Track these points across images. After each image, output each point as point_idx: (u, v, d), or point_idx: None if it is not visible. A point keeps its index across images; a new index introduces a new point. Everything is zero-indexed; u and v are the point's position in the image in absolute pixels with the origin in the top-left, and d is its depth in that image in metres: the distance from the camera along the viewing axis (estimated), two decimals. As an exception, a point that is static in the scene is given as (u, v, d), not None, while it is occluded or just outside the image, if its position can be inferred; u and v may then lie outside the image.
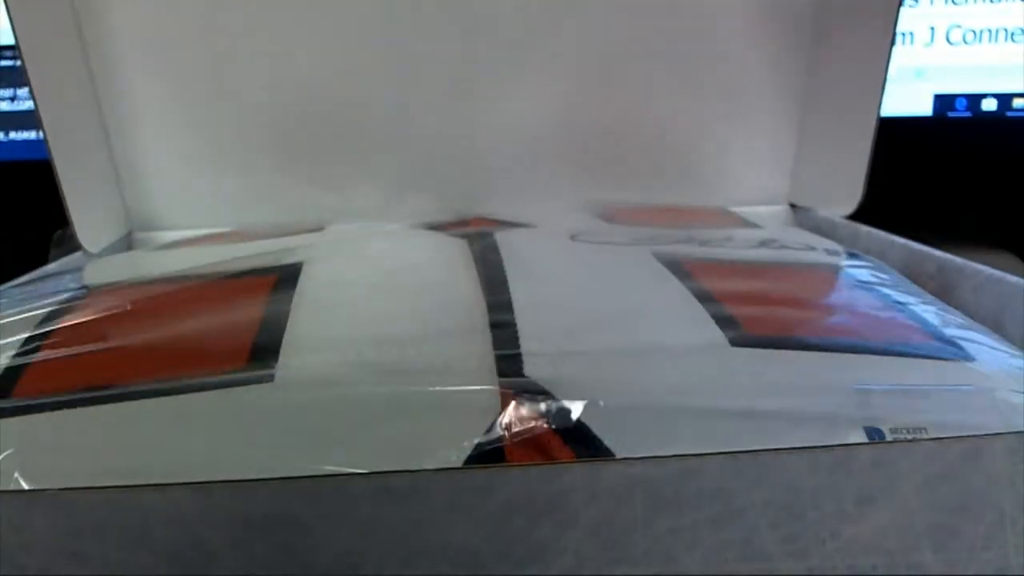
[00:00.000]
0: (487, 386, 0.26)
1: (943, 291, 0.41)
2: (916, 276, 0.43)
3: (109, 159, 0.56)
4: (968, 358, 0.29)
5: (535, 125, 0.57)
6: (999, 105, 0.75)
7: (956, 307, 0.37)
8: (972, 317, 0.35)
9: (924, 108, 0.76)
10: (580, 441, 0.25)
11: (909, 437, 0.26)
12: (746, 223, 0.50)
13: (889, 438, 0.26)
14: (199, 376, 0.28)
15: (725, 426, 0.25)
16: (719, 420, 0.26)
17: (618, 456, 0.25)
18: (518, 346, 0.28)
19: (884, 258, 0.46)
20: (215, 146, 0.56)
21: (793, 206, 0.63)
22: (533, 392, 0.26)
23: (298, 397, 0.27)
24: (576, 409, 0.26)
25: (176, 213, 0.58)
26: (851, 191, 0.56)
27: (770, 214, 0.62)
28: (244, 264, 0.38)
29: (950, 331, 0.32)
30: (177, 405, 0.27)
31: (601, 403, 0.25)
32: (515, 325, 0.30)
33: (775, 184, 0.62)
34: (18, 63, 0.53)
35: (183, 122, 0.55)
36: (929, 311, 0.34)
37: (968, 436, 0.24)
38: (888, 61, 0.52)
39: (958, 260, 0.42)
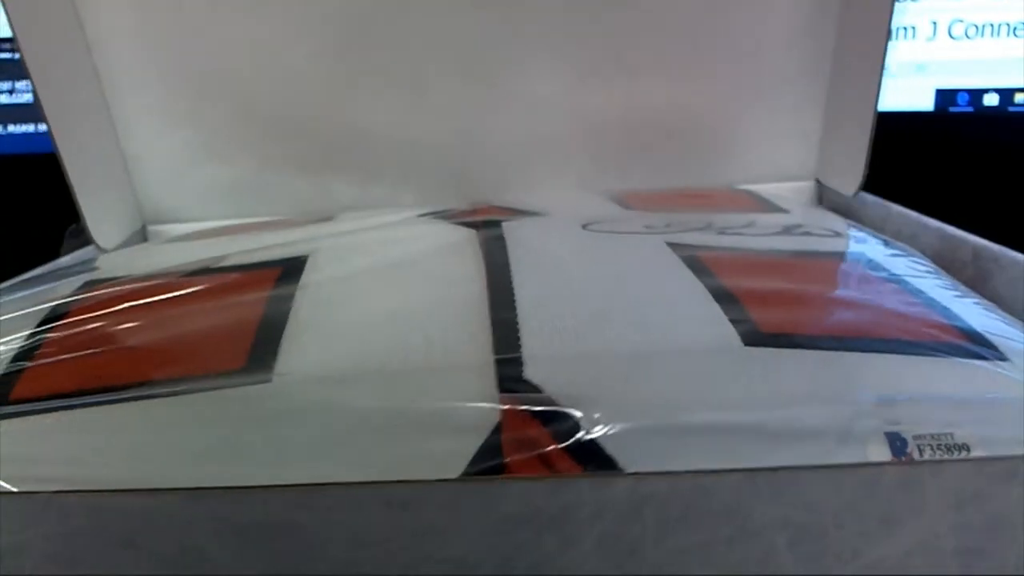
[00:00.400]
0: (487, 392, 0.25)
1: (977, 281, 0.39)
2: (949, 263, 0.41)
3: (119, 155, 0.55)
4: (1002, 358, 0.28)
5: (553, 109, 0.55)
6: (1001, 100, 0.74)
7: (990, 299, 0.35)
8: (1007, 311, 0.34)
9: (925, 103, 0.75)
10: (580, 448, 0.24)
11: (934, 444, 0.24)
12: (770, 206, 0.48)
13: (912, 444, 0.24)
14: (197, 376, 0.27)
15: (738, 440, 0.24)
16: (731, 434, 0.24)
17: (622, 467, 0.23)
18: (519, 348, 0.27)
19: (916, 242, 0.44)
20: (225, 140, 0.55)
21: (820, 182, 0.61)
22: (533, 402, 0.25)
23: (294, 401, 0.26)
24: (577, 416, 0.24)
25: (189, 207, 0.57)
26: (853, 170, 0.54)
27: (796, 190, 0.60)
28: (249, 257, 0.37)
29: (984, 328, 0.30)
30: (173, 407, 0.26)
31: (603, 418, 0.24)
32: (517, 325, 0.28)
33: (800, 160, 0.60)
34: (16, 56, 0.52)
35: (193, 117, 0.55)
36: (962, 305, 0.32)
37: (1002, 458, 0.22)
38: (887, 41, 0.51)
39: (995, 247, 0.40)
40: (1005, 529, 0.22)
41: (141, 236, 0.57)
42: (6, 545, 0.23)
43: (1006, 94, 0.74)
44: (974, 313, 0.31)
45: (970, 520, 0.22)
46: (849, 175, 0.55)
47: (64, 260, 0.48)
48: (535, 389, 0.25)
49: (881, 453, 0.24)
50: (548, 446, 0.24)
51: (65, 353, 0.29)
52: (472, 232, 0.37)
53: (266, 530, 0.24)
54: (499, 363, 0.26)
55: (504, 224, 0.38)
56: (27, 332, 0.31)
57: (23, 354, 0.30)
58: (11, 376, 0.28)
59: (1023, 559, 0.23)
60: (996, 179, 0.71)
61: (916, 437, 0.24)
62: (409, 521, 0.23)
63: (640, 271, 0.34)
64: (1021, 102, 0.74)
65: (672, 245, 0.36)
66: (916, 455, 0.24)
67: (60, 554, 0.24)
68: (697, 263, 0.33)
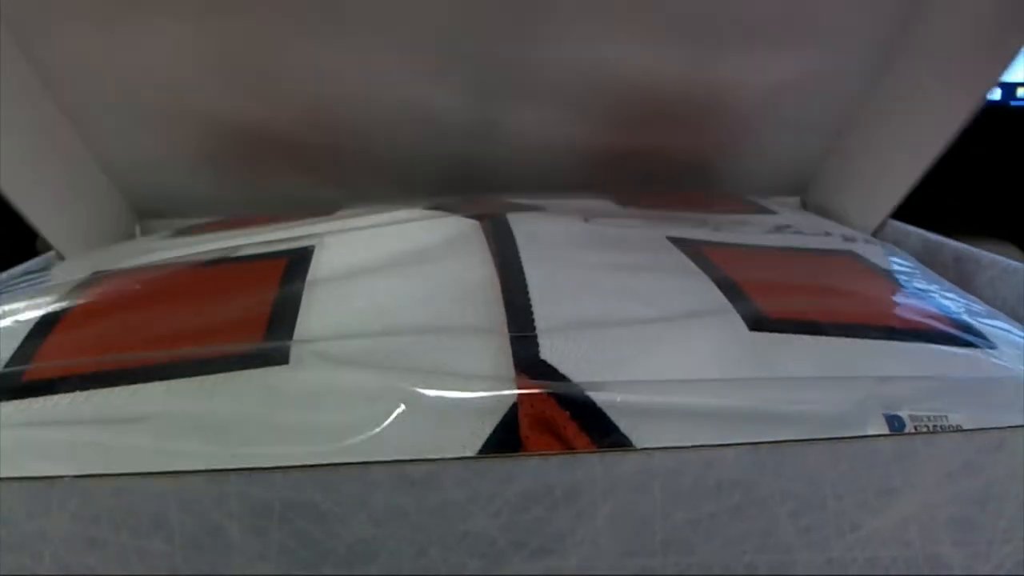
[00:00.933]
0: (503, 372, 0.26)
1: (959, 281, 0.41)
2: (932, 266, 0.43)
3: (87, 158, 0.53)
4: (991, 346, 0.29)
5: (551, 139, 0.54)
6: (1003, 94, 0.75)
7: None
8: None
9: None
10: (596, 427, 0.25)
11: (930, 425, 0.26)
12: (758, 208, 0.49)
13: (909, 425, 0.26)
14: (213, 358, 0.28)
15: (744, 420, 0.25)
16: (738, 414, 0.25)
17: (636, 445, 0.25)
18: (533, 328, 0.28)
19: (899, 247, 0.46)
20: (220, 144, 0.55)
21: (804, 202, 0.62)
22: (549, 378, 0.26)
23: (310, 383, 0.27)
24: (593, 396, 0.25)
25: (181, 206, 0.57)
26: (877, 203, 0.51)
27: (781, 202, 0.61)
28: (254, 248, 0.38)
29: (972, 319, 0.31)
30: (191, 387, 0.27)
31: (619, 397, 0.25)
32: (530, 307, 0.29)
33: (790, 176, 0.60)
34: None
35: (183, 118, 0.54)
36: (950, 299, 0.33)
37: (991, 428, 0.23)
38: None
39: (974, 250, 0.42)
40: (993, 500, 0.24)
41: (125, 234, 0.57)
42: (29, 529, 0.24)
43: (1008, 88, 0.75)
44: (961, 305, 0.33)
45: (961, 491, 0.23)
46: (870, 206, 0.52)
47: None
48: (551, 369, 0.26)
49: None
50: (564, 425, 0.25)
51: (78, 335, 0.30)
52: (477, 223, 0.38)
53: (285, 510, 0.24)
54: (514, 344, 0.27)
55: (509, 216, 0.39)
56: (39, 316, 0.32)
57: (36, 335, 0.30)
58: (25, 356, 0.29)
59: (1011, 530, 0.24)
60: (996, 173, 0.72)
61: (913, 418, 0.26)
62: (426, 499, 0.24)
63: (645, 260, 0.34)
64: (1023, 96, 0.74)
65: (672, 239, 0.37)
66: (912, 435, 0.25)
67: (83, 537, 0.24)
68: (698, 255, 0.34)
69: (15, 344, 0.30)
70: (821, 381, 0.26)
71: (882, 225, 0.51)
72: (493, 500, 0.24)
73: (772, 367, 0.27)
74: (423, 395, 0.26)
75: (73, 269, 0.38)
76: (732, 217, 0.44)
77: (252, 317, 0.30)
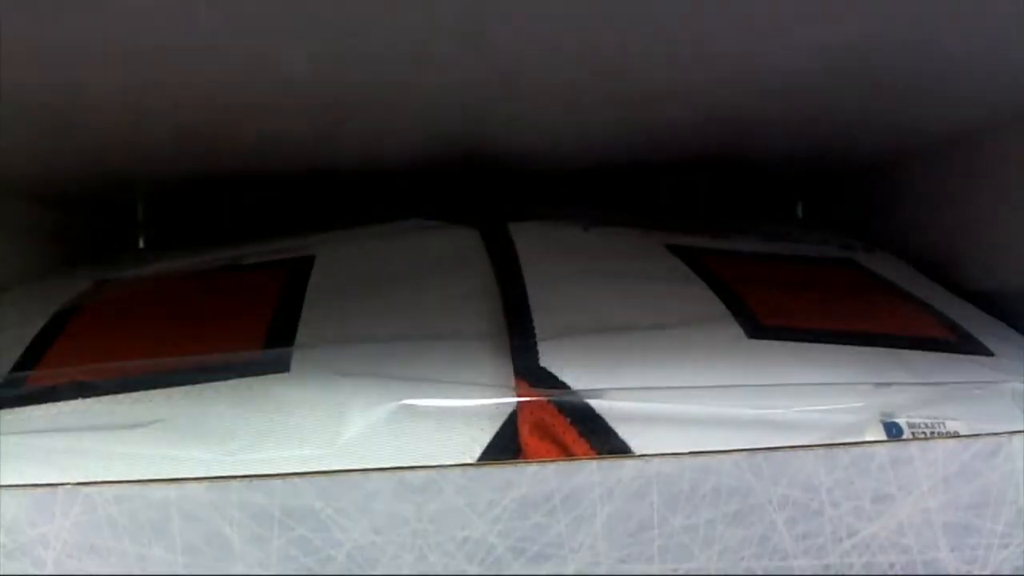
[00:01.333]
0: (502, 379, 0.26)
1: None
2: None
3: None
4: (988, 353, 0.29)
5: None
6: None
7: (967, 305, 0.36)
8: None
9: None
10: (595, 434, 0.25)
11: (927, 432, 0.26)
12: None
13: (907, 432, 0.26)
14: (214, 366, 0.28)
15: (743, 429, 0.25)
16: (737, 423, 0.26)
17: (635, 452, 0.25)
18: (533, 336, 0.28)
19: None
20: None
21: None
22: (549, 385, 0.26)
23: (313, 388, 0.27)
24: (592, 403, 0.26)
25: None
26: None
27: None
28: (255, 257, 0.38)
29: (969, 326, 0.32)
30: (192, 394, 0.27)
31: (618, 404, 0.25)
32: (530, 314, 0.30)
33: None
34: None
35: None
36: (948, 306, 0.34)
37: (986, 434, 0.23)
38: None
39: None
40: (990, 505, 0.24)
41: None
42: (31, 536, 0.24)
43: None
44: (959, 312, 0.33)
45: (958, 496, 0.24)
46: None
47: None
48: (550, 376, 0.26)
49: (878, 441, 0.25)
50: (563, 431, 0.25)
51: (80, 342, 0.30)
52: (476, 232, 0.38)
53: (285, 517, 0.24)
54: (515, 352, 0.27)
55: (509, 224, 0.39)
56: (42, 324, 0.32)
57: (38, 345, 0.30)
58: (27, 365, 0.29)
59: (1007, 534, 0.24)
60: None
61: (911, 425, 0.26)
62: (426, 505, 0.24)
63: (644, 268, 0.35)
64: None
65: (671, 247, 0.37)
66: (909, 442, 0.25)
67: (85, 544, 0.24)
68: (697, 262, 0.35)
69: (19, 351, 0.30)
70: (819, 388, 0.27)
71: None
72: (492, 506, 0.24)
73: (770, 374, 0.27)
74: (423, 403, 0.26)
75: (76, 278, 0.38)
76: (729, 223, 0.44)
77: (253, 325, 0.30)
